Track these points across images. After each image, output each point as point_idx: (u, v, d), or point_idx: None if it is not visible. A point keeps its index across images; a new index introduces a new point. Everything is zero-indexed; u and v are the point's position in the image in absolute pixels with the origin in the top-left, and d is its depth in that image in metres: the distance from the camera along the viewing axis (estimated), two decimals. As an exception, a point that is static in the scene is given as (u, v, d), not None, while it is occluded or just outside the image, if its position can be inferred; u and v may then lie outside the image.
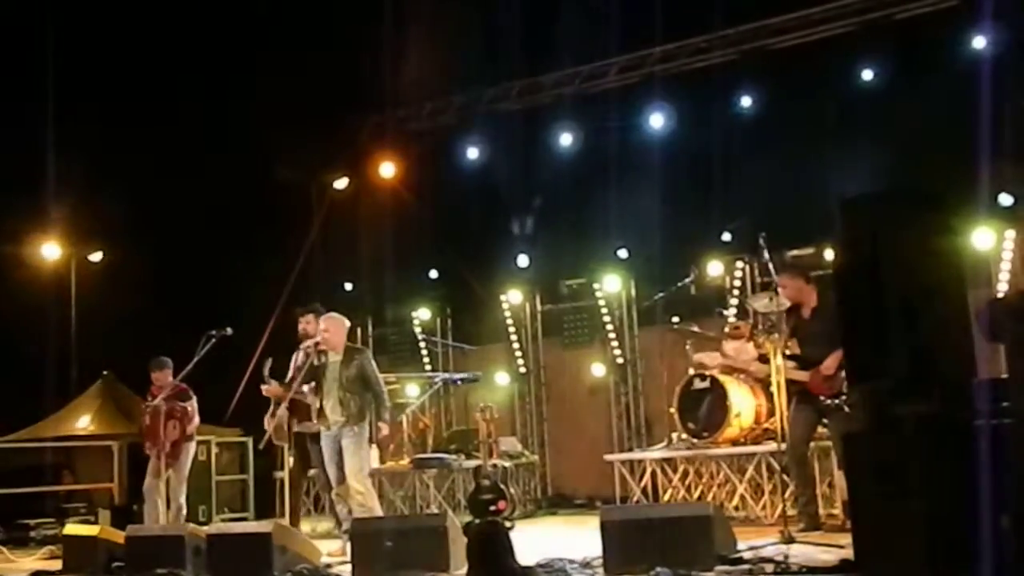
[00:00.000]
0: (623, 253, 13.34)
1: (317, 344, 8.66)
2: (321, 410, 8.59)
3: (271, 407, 9.18)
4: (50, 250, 15.23)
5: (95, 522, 10.61)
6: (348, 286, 15.40)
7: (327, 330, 8.68)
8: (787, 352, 8.12)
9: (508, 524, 7.68)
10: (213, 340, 9.18)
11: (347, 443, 8.45)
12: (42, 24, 13.23)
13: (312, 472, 9.58)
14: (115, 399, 14.85)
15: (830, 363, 7.97)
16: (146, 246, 14.42)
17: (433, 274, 14.82)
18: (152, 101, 14.09)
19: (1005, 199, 11.11)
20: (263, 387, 9.22)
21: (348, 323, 8.91)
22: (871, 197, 6.00)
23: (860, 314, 5.57)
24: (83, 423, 14.58)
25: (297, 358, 9.22)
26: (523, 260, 14.04)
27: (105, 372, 15.03)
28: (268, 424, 9.13)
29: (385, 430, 9.06)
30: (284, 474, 9.52)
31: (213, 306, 12.16)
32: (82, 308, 15.43)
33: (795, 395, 8.07)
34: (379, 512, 8.65)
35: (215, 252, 14.14)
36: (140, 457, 10.21)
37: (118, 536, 8.20)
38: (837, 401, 7.97)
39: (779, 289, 8.41)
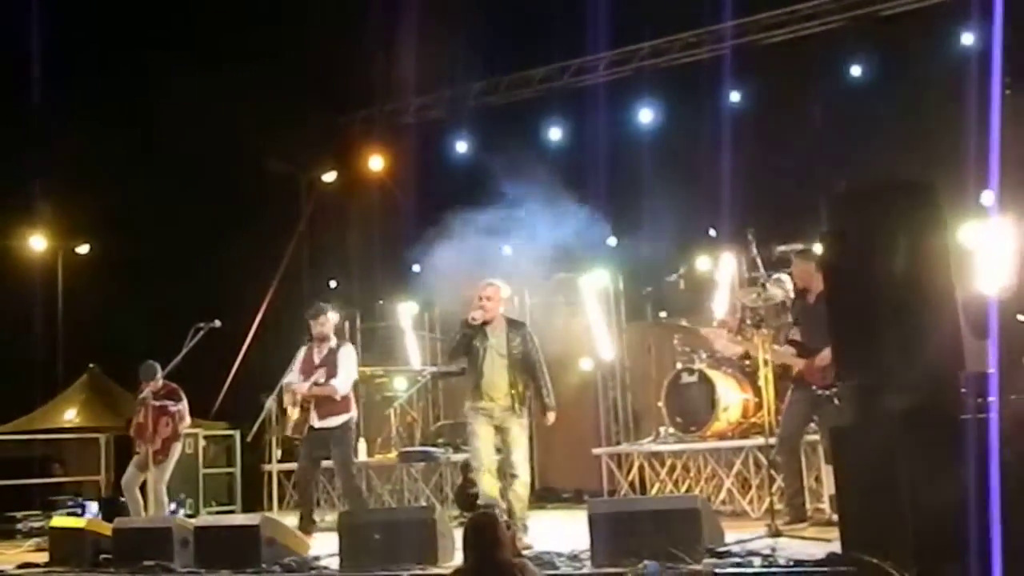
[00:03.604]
0: (612, 241, 13.34)
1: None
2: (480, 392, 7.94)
3: (293, 402, 9.19)
4: (37, 243, 15.18)
5: (82, 514, 10.58)
6: (333, 283, 15.41)
7: (490, 298, 8.04)
8: (790, 338, 8.19)
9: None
10: (201, 333, 9.17)
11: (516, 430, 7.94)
12: (28, 18, 13.18)
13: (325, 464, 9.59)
14: (101, 392, 14.84)
15: (826, 353, 7.99)
16: (133, 239, 14.41)
17: (416, 268, 14.74)
18: (139, 94, 14.07)
19: (987, 197, 11.12)
20: (291, 393, 9.23)
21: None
22: (860, 190, 6.03)
23: (849, 307, 5.59)
24: (69, 416, 14.56)
25: (311, 354, 9.30)
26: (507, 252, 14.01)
27: (91, 365, 15.00)
28: (292, 415, 9.15)
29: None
30: (274, 467, 9.54)
31: (200, 299, 12.14)
32: (69, 301, 15.41)
33: (791, 385, 8.10)
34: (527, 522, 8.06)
35: (202, 245, 14.12)
36: (127, 450, 10.20)
37: (105, 528, 8.20)
38: (829, 392, 7.98)
39: (793, 273, 8.45)
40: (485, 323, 7.95)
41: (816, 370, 8.04)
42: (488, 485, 7.80)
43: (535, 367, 8.04)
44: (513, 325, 8.12)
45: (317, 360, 9.25)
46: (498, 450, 7.99)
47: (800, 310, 8.40)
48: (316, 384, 9.06)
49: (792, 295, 8.88)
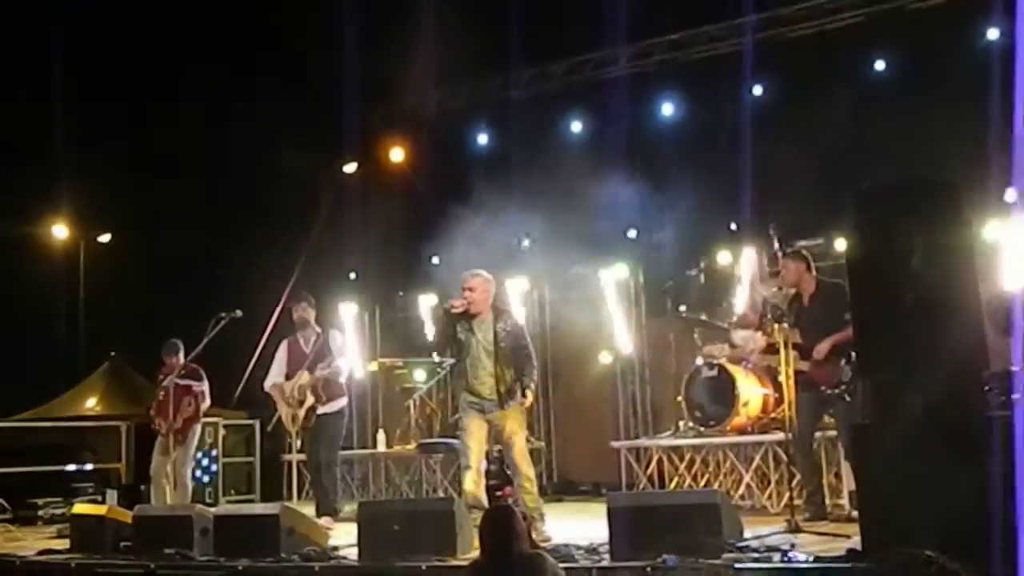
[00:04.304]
0: (632, 233, 13.33)
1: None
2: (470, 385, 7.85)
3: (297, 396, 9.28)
4: (59, 231, 15.25)
5: (103, 502, 10.64)
6: (352, 275, 15.46)
7: (473, 289, 7.92)
8: (791, 342, 8.15)
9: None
10: (223, 322, 9.22)
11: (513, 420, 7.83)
12: (55, 14, 13.24)
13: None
14: (122, 380, 14.88)
15: (823, 347, 7.97)
16: (155, 228, 14.47)
17: (435, 260, 14.75)
18: (163, 85, 14.12)
19: (1010, 195, 11.05)
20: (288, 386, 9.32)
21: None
22: (886, 187, 5.99)
23: (873, 304, 5.57)
24: (90, 404, 14.62)
25: (298, 345, 9.40)
26: (526, 245, 14.03)
27: (112, 353, 15.06)
28: (289, 410, 9.26)
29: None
30: (293, 457, 9.61)
31: (221, 288, 12.19)
32: (90, 289, 15.48)
33: (798, 385, 8.07)
34: (542, 510, 7.96)
35: (224, 235, 14.17)
36: (147, 438, 10.25)
37: (126, 516, 8.24)
38: (838, 391, 7.96)
39: (781, 272, 8.42)
40: (472, 315, 7.87)
41: (822, 371, 8.02)
42: (472, 484, 7.68)
43: (522, 357, 7.90)
44: (501, 316, 7.95)
45: (307, 349, 9.35)
46: (497, 446, 7.96)
47: (797, 313, 8.34)
48: (321, 369, 9.22)
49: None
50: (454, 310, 7.87)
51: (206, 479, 12.33)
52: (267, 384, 9.69)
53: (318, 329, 9.54)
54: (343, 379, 9.40)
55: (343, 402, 9.49)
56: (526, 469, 7.82)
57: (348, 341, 11.12)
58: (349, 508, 9.31)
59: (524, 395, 7.91)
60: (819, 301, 8.23)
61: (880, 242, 5.49)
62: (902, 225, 5.40)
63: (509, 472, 7.94)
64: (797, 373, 8.09)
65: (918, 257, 5.31)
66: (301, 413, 9.27)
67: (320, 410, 9.23)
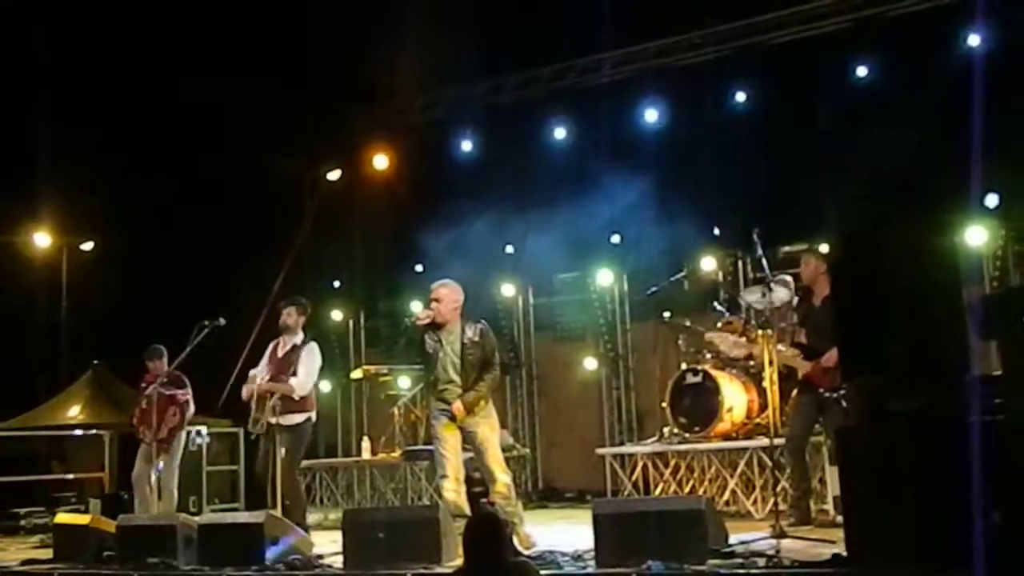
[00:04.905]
0: (616, 239, 13.36)
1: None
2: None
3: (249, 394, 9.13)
4: (41, 239, 15.19)
5: (86, 511, 10.59)
6: (336, 284, 15.46)
7: (439, 300, 7.87)
8: (795, 340, 8.17)
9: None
10: (206, 330, 9.14)
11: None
12: (34, 15, 13.19)
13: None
14: (105, 389, 14.81)
15: (832, 355, 7.98)
16: (138, 236, 14.41)
17: (419, 268, 14.73)
18: (145, 91, 14.07)
19: (991, 200, 11.11)
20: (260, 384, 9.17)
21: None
22: (868, 193, 6.02)
23: (855, 309, 5.59)
24: (73, 412, 14.55)
25: (276, 348, 9.27)
26: (510, 251, 14.03)
27: (95, 362, 15.00)
28: (263, 412, 9.11)
29: None
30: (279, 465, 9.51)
31: (205, 296, 12.15)
32: (73, 297, 15.41)
33: (797, 387, 8.06)
34: (521, 514, 7.93)
35: (207, 242, 14.12)
36: (131, 446, 10.20)
37: (109, 525, 8.20)
38: (836, 395, 7.98)
39: (801, 267, 8.41)
40: (439, 325, 7.83)
41: (822, 372, 8.03)
42: (452, 493, 7.61)
43: (487, 366, 7.84)
44: (469, 326, 7.87)
45: (280, 354, 9.21)
46: (467, 450, 7.90)
47: (806, 312, 8.36)
48: (274, 381, 8.96)
49: (797, 297, 8.83)
50: (420, 322, 7.85)
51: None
52: (251, 372, 9.46)
53: (298, 339, 9.33)
54: (297, 396, 8.95)
55: (300, 417, 9.01)
56: (500, 475, 7.77)
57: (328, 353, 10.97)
58: (334, 516, 9.27)
59: (467, 393, 7.73)
60: (829, 304, 8.20)
61: (862, 247, 5.51)
62: (884, 230, 5.41)
63: (484, 478, 7.88)
64: (794, 371, 8.11)
65: (900, 262, 5.33)
66: (255, 417, 9.11)
67: (274, 420, 9.01)
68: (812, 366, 8.09)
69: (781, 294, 8.86)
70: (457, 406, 7.69)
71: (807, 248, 8.96)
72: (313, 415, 9.24)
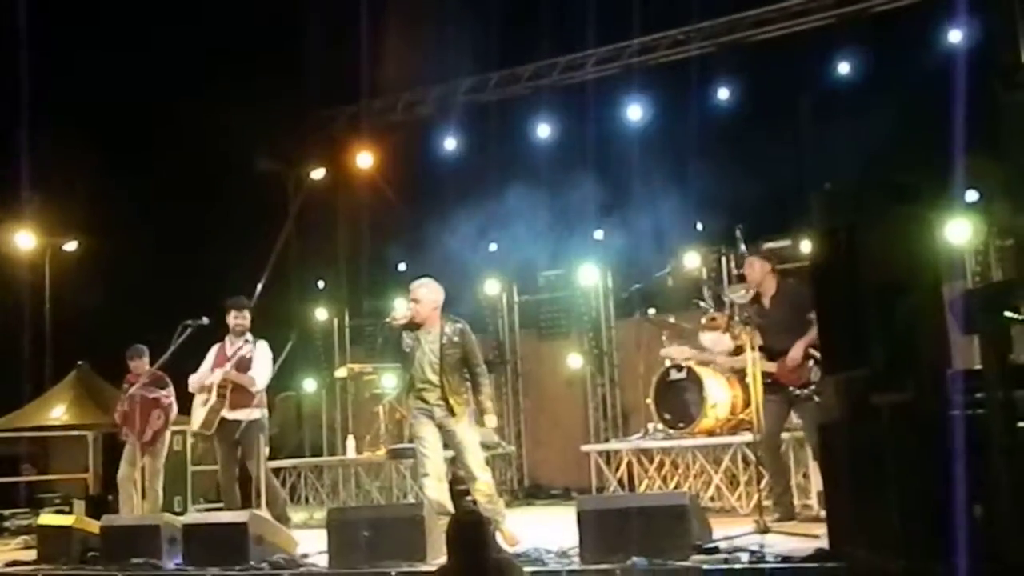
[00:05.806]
0: (599, 235, 13.37)
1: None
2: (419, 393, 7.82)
3: (208, 395, 9.11)
4: (24, 239, 15.13)
5: (70, 512, 10.55)
6: (320, 283, 15.45)
7: (418, 300, 7.85)
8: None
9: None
10: (190, 330, 9.13)
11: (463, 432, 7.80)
12: (19, 16, 13.12)
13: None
14: (89, 389, 14.78)
15: (795, 354, 8.00)
16: (121, 236, 14.36)
17: (402, 267, 14.71)
18: (127, 92, 14.03)
19: (971, 195, 11.16)
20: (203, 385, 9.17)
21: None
22: (847, 189, 6.02)
23: (836, 305, 5.60)
24: (57, 413, 14.51)
25: (224, 349, 9.28)
26: (493, 249, 14.03)
27: (80, 362, 14.95)
28: (203, 411, 9.09)
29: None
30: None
31: (188, 296, 12.11)
32: (57, 298, 15.36)
33: (764, 386, 8.08)
34: (503, 512, 7.96)
35: (191, 242, 14.09)
36: (115, 447, 10.17)
37: (93, 526, 8.19)
38: (806, 391, 8.00)
39: (746, 270, 8.45)
40: (418, 325, 7.83)
41: (788, 371, 8.06)
42: (435, 492, 7.61)
43: (473, 369, 7.88)
44: (449, 326, 7.87)
45: (230, 353, 9.20)
46: (446, 447, 7.90)
47: (756, 313, 8.35)
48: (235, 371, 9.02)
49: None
50: (396, 323, 7.85)
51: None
52: (193, 377, 9.45)
53: (248, 338, 9.29)
54: (255, 391, 8.99)
55: (255, 414, 8.99)
56: (481, 474, 7.78)
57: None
58: (319, 515, 9.26)
59: (488, 416, 8.00)
60: (779, 303, 8.26)
61: (843, 242, 5.52)
62: (864, 225, 5.43)
63: (465, 478, 7.90)
64: (764, 375, 8.12)
65: (880, 257, 5.34)
66: (202, 413, 9.10)
67: (230, 416, 9.02)
68: (778, 366, 8.10)
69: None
70: (488, 421, 8.04)
71: (758, 250, 8.99)
72: (266, 415, 9.26)
